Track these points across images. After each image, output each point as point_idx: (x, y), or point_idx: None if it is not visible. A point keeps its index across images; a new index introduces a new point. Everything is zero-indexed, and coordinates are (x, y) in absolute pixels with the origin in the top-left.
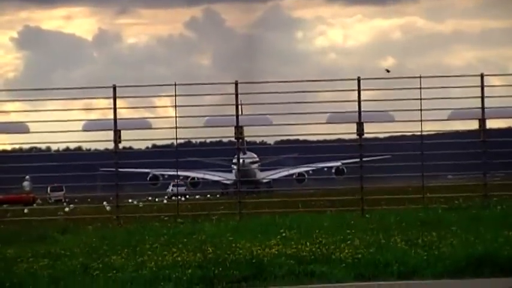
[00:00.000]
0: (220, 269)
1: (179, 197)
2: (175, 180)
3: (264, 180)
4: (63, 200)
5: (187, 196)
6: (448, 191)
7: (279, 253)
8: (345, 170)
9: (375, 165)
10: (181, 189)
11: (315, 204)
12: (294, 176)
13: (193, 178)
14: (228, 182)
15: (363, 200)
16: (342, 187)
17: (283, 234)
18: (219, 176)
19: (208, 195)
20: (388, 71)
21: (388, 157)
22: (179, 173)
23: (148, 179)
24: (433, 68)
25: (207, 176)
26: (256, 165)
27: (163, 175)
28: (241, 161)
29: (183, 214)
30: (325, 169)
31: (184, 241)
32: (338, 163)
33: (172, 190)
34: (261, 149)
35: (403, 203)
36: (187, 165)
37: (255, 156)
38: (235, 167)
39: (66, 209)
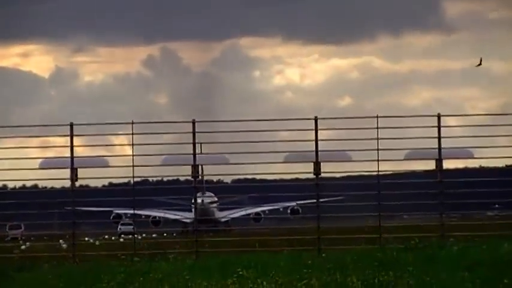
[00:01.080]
0: None
1: (135, 236)
2: (125, 219)
3: (223, 220)
4: (19, 238)
5: (135, 235)
6: (404, 230)
7: None
8: (300, 210)
9: (332, 204)
10: (130, 227)
11: (272, 244)
12: (251, 216)
13: (154, 217)
14: (187, 220)
15: (319, 239)
16: (299, 226)
17: (240, 273)
18: (179, 215)
19: (165, 234)
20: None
21: (344, 197)
22: (140, 212)
23: (111, 217)
24: (391, 107)
25: (167, 215)
26: (215, 204)
27: (126, 214)
28: (200, 200)
29: (140, 253)
30: (281, 209)
31: (141, 280)
32: (293, 203)
33: (120, 229)
34: (218, 187)
35: (359, 242)
36: (144, 204)
37: (214, 196)
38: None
39: (23, 247)
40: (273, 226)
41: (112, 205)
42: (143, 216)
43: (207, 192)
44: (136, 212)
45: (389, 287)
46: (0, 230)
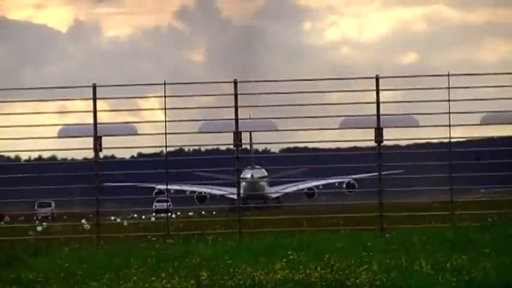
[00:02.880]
0: None
1: (170, 214)
2: (160, 195)
3: (273, 195)
4: (49, 217)
5: (172, 213)
6: (480, 206)
7: (285, 279)
8: (356, 185)
9: (396, 176)
10: (165, 204)
11: (327, 223)
12: (304, 191)
13: (200, 193)
14: (234, 197)
15: (382, 217)
16: (358, 202)
17: (290, 257)
18: (224, 191)
19: (203, 212)
20: None
21: (410, 169)
22: (185, 187)
23: (153, 194)
24: (463, 64)
25: (212, 191)
26: (265, 180)
27: (169, 190)
28: (249, 175)
29: (173, 234)
30: (336, 184)
31: (175, 265)
32: (348, 178)
33: (155, 206)
34: (264, 158)
35: (428, 220)
36: (179, 178)
37: (264, 171)
38: (243, 182)
39: (39, 228)
40: (328, 203)
41: (141, 179)
42: (188, 192)
43: (256, 167)
44: (179, 187)
45: (463, 271)
46: (28, 208)
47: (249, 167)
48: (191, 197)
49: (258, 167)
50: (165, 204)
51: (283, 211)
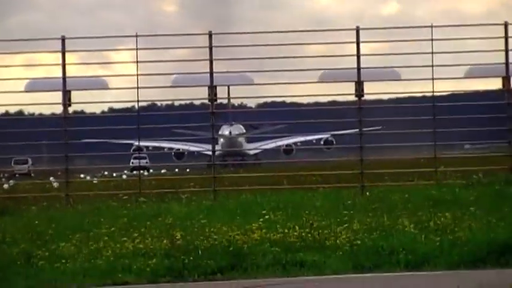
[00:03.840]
0: (191, 258)
1: (142, 172)
2: (137, 152)
3: (251, 153)
4: (29, 174)
5: (150, 170)
6: (465, 163)
7: (261, 239)
8: (334, 142)
9: (377, 132)
10: (143, 161)
11: (305, 180)
12: (281, 148)
13: (178, 149)
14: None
15: (362, 174)
16: (338, 159)
17: (267, 216)
18: (201, 148)
19: (176, 170)
20: None
21: (392, 123)
22: (163, 144)
23: (131, 150)
24: (446, 15)
25: (192, 148)
26: (243, 136)
27: (147, 147)
28: (227, 132)
29: (146, 192)
30: (314, 141)
31: (148, 224)
32: (327, 134)
33: (132, 163)
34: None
35: (411, 178)
36: (151, 134)
37: (242, 127)
38: (221, 139)
39: (5, 186)
40: (307, 159)
41: (113, 135)
42: (165, 149)
43: (234, 124)
44: (157, 144)
45: (447, 230)
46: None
47: (227, 123)
48: (169, 154)
49: (235, 123)
50: (143, 161)
51: (261, 169)
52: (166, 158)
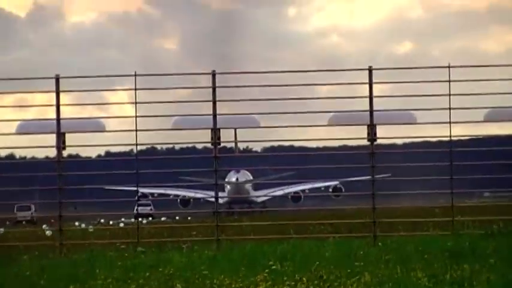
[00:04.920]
0: None
1: (141, 220)
2: (141, 199)
3: (259, 200)
4: (32, 221)
5: (151, 218)
6: (484, 212)
7: None
8: (343, 189)
9: (390, 179)
10: (147, 208)
11: (315, 229)
12: (289, 195)
13: (184, 196)
14: (219, 201)
15: (375, 224)
16: (349, 207)
17: (273, 267)
18: (206, 195)
19: (177, 217)
20: None
21: (407, 169)
22: (168, 191)
23: (136, 197)
24: (464, 55)
25: (198, 195)
26: (250, 183)
27: (152, 194)
28: (234, 178)
29: (144, 241)
30: (322, 188)
31: (147, 275)
32: (338, 181)
33: (136, 210)
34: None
35: (426, 228)
36: (150, 179)
37: (249, 174)
38: (228, 185)
39: None
40: (316, 207)
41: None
42: (171, 196)
43: (241, 171)
44: (162, 191)
45: (464, 284)
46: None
47: (234, 170)
48: (174, 201)
49: (243, 170)
50: (147, 208)
51: (268, 217)
52: (171, 205)
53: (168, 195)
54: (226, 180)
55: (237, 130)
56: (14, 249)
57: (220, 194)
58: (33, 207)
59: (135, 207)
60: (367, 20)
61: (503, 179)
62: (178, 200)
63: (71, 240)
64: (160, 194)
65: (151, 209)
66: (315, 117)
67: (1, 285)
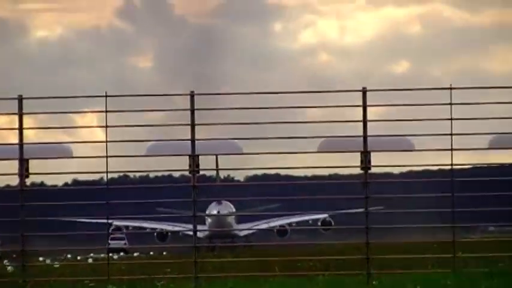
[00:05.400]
0: None
1: (111, 255)
2: (121, 233)
3: (241, 234)
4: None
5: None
6: (488, 248)
7: None
8: (332, 223)
9: (385, 211)
10: (121, 243)
11: (302, 266)
12: (275, 229)
13: (161, 230)
14: (199, 235)
15: (368, 260)
16: (339, 242)
17: None
18: (185, 228)
19: (151, 253)
20: None
21: (404, 200)
22: (144, 224)
23: (110, 230)
24: (466, 75)
25: (176, 228)
26: (232, 217)
27: (127, 226)
28: (215, 211)
29: (115, 278)
30: (310, 221)
31: None
32: (326, 213)
33: (109, 244)
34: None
35: (425, 265)
36: (123, 210)
37: (231, 206)
38: (209, 218)
39: None
40: (303, 242)
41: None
42: (148, 229)
43: (223, 202)
44: (137, 224)
45: None
46: None
47: (215, 201)
48: (150, 234)
49: (225, 201)
50: (121, 242)
51: (252, 252)
52: (146, 239)
53: (144, 228)
54: (207, 212)
55: (218, 157)
56: None
57: (200, 227)
58: None
59: (108, 241)
60: (360, 37)
61: (510, 211)
62: (155, 234)
63: (35, 277)
64: (135, 227)
65: (125, 243)
66: (303, 142)
67: None
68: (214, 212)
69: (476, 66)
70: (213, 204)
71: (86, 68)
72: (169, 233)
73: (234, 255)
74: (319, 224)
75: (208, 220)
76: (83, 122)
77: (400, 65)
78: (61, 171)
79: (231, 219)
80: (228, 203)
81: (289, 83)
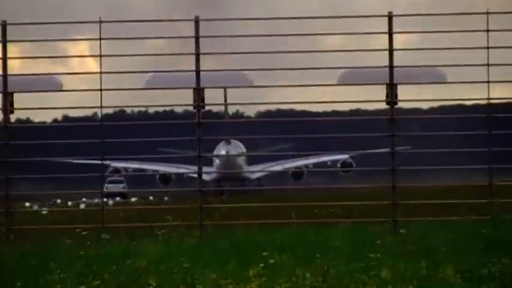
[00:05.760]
0: None
1: (107, 200)
2: (112, 175)
3: (252, 176)
4: None
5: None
6: None
7: None
8: (353, 164)
9: (414, 151)
10: (119, 186)
11: (320, 213)
12: (290, 171)
13: (164, 173)
14: (207, 178)
15: (395, 206)
16: (363, 186)
17: (270, 260)
18: (190, 169)
19: (151, 197)
20: None
21: (434, 139)
22: (144, 166)
23: (107, 172)
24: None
25: (181, 170)
26: (242, 157)
27: (126, 168)
28: (223, 151)
29: (111, 226)
30: (329, 163)
31: (113, 269)
32: (344, 155)
33: (107, 188)
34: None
35: (458, 212)
36: (119, 151)
37: (241, 146)
38: (217, 159)
39: None
40: (322, 186)
41: (68, 151)
42: (149, 171)
43: (233, 141)
44: (138, 166)
45: (505, 280)
46: None
47: (223, 141)
48: (151, 178)
49: (234, 140)
50: (119, 185)
51: (264, 197)
52: (147, 182)
53: (145, 170)
54: (214, 152)
55: (227, 90)
56: None
57: (207, 169)
58: None
59: (105, 185)
60: None
61: None
62: (157, 177)
63: (20, 225)
64: (135, 169)
65: (124, 187)
66: (321, 74)
67: None
68: (223, 153)
69: None
70: (222, 143)
71: None
72: (172, 176)
73: (244, 200)
74: (338, 165)
75: (216, 161)
76: (74, 51)
77: None
78: (50, 106)
79: (241, 160)
80: (238, 142)
81: (307, 7)
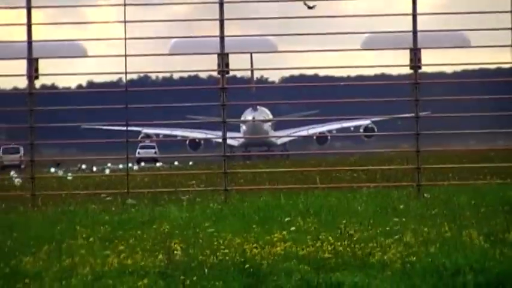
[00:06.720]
0: (194, 278)
1: (131, 166)
2: (144, 141)
3: (278, 142)
4: (21, 166)
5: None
6: None
7: (286, 254)
8: (375, 129)
9: (438, 115)
10: (151, 151)
11: (344, 178)
12: (314, 136)
13: (193, 139)
14: (233, 143)
15: (419, 170)
16: (386, 150)
17: (295, 225)
18: (215, 135)
19: (176, 163)
20: (310, 7)
21: (459, 104)
22: (174, 132)
23: (139, 138)
24: None
25: (209, 136)
26: (268, 123)
27: (157, 134)
28: (250, 117)
29: (136, 192)
30: (352, 128)
31: (138, 234)
32: (366, 121)
33: (139, 153)
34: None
35: (482, 175)
36: (143, 116)
37: (268, 112)
38: (244, 125)
39: None
40: (345, 150)
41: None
42: (178, 137)
43: (259, 108)
44: (168, 132)
45: None
46: None
47: (250, 108)
48: (181, 143)
49: (261, 107)
50: (151, 151)
51: (288, 162)
52: (178, 148)
53: (175, 136)
54: (241, 118)
55: (249, 56)
56: None
57: (234, 135)
58: (21, 149)
59: (137, 151)
60: None
61: None
62: (187, 142)
63: (45, 190)
64: (165, 135)
65: (155, 152)
66: (345, 39)
67: None
68: (249, 118)
69: None
70: (249, 110)
71: None
72: (202, 141)
73: (269, 165)
74: (361, 130)
75: (243, 127)
76: (98, 17)
77: None
78: (74, 72)
79: (267, 126)
80: (265, 109)
81: None
